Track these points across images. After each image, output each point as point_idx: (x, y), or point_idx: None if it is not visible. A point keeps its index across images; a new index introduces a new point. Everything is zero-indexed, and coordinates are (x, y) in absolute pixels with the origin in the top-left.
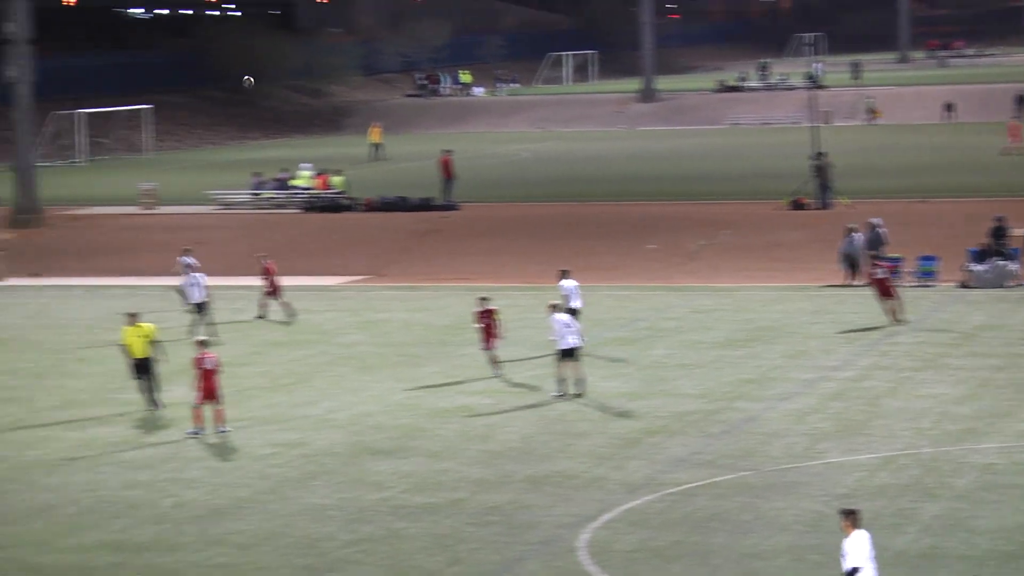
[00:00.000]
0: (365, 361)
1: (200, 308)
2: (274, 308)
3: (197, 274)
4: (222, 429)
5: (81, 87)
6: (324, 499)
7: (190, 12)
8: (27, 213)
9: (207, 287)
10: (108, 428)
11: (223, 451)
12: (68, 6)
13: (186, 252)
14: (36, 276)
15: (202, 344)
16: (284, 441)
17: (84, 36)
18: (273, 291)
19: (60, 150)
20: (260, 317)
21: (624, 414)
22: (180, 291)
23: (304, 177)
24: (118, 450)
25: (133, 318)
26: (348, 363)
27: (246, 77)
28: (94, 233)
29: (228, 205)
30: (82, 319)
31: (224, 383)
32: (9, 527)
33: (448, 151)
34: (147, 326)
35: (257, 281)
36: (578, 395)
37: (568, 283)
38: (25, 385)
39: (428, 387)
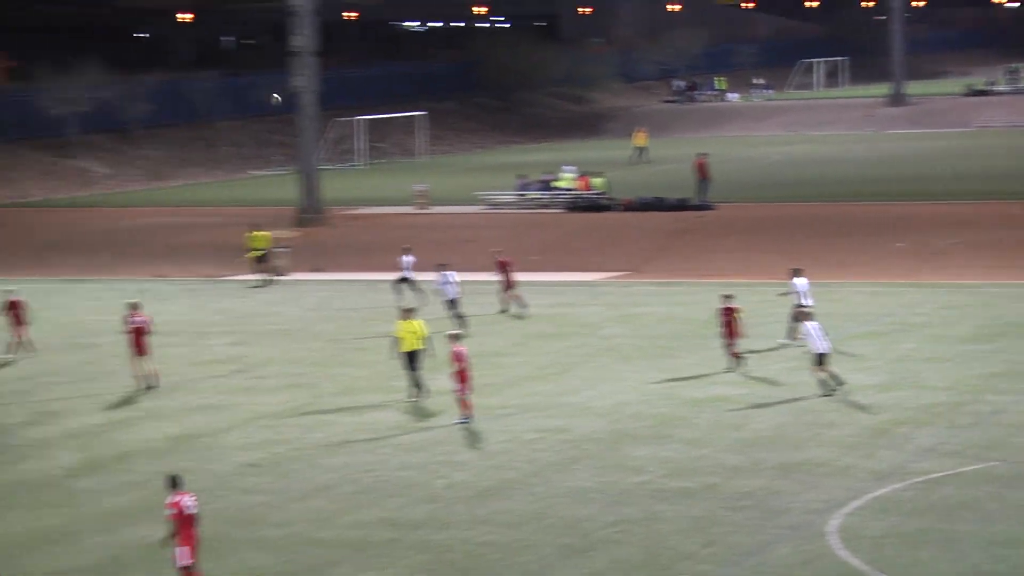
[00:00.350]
0: (624, 353)
1: (453, 304)
2: (505, 300)
3: (448, 272)
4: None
5: (361, 95)
6: (586, 482)
7: (462, 24)
8: (310, 213)
9: (458, 283)
10: (384, 413)
11: (491, 436)
12: (350, 20)
13: (406, 251)
14: (317, 271)
15: (455, 338)
16: (547, 427)
17: (364, 48)
18: (508, 285)
19: (341, 154)
20: (503, 311)
21: (872, 405)
22: (396, 286)
23: (567, 179)
24: (394, 434)
25: (408, 313)
26: (608, 354)
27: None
28: (371, 231)
29: (495, 205)
30: (359, 311)
31: (491, 372)
32: (293, 504)
33: (703, 154)
34: (418, 323)
35: (496, 276)
36: (840, 385)
37: (800, 281)
38: (309, 372)
39: (684, 378)
